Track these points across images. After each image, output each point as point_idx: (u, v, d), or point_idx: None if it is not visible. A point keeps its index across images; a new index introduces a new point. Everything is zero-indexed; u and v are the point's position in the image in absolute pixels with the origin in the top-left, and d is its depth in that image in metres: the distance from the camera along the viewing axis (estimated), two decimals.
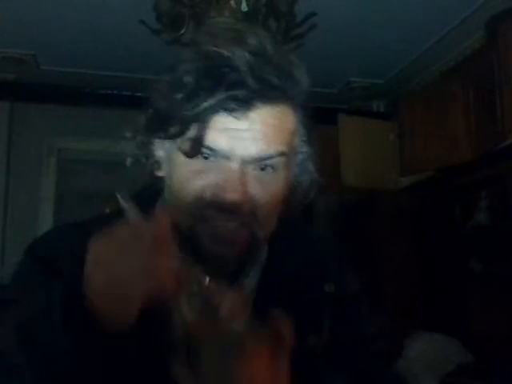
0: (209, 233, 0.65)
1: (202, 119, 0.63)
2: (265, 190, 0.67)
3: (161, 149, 0.71)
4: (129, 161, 0.73)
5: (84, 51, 3.19)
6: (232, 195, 0.63)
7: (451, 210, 2.91)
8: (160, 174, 0.72)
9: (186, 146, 0.65)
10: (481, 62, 2.71)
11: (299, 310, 0.71)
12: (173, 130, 0.65)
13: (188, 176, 0.66)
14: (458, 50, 3.16)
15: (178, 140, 0.66)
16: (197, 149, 0.64)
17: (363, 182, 3.30)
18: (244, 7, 1.89)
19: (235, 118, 0.63)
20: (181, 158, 0.66)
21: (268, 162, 0.66)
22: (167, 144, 0.70)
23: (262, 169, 0.67)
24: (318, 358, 0.72)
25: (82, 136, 3.69)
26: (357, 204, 3.47)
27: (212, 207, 0.65)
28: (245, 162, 0.65)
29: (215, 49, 0.64)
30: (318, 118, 0.73)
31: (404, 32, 2.94)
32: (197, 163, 0.66)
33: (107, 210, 0.81)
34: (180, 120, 0.65)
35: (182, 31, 1.91)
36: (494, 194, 2.64)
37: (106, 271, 0.54)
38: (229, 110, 0.63)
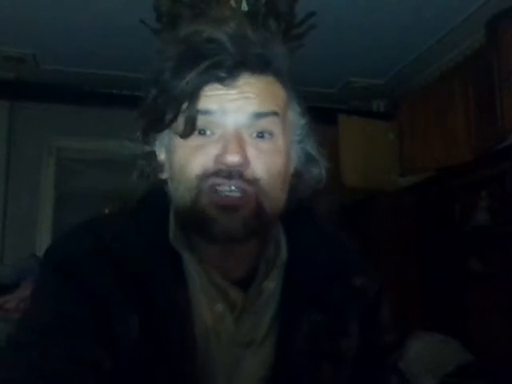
0: (212, 201, 0.64)
1: (191, 92, 0.64)
2: (265, 157, 0.66)
3: (161, 150, 0.71)
4: (135, 174, 0.73)
5: (84, 51, 3.19)
6: (231, 158, 0.63)
7: (451, 210, 2.91)
8: (163, 176, 0.72)
9: (181, 124, 0.65)
10: (481, 62, 2.71)
11: (327, 312, 0.71)
12: (167, 116, 0.66)
13: (188, 154, 0.66)
14: (458, 50, 3.16)
15: (174, 125, 0.66)
16: (191, 120, 0.64)
17: (363, 182, 3.30)
18: (244, 7, 1.88)
19: (224, 84, 0.64)
20: (179, 143, 0.66)
21: (264, 124, 0.66)
22: (165, 137, 0.69)
23: (260, 136, 0.66)
24: (351, 363, 0.71)
25: (82, 135, 3.68)
26: (357, 204, 3.47)
27: (213, 174, 0.64)
28: (240, 125, 0.65)
29: (194, 28, 0.66)
30: (318, 117, 0.72)
31: (404, 32, 2.94)
32: (194, 140, 0.65)
33: (106, 211, 0.81)
34: (170, 102, 0.65)
35: None
36: (494, 194, 2.64)
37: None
38: (216, 78, 0.64)
